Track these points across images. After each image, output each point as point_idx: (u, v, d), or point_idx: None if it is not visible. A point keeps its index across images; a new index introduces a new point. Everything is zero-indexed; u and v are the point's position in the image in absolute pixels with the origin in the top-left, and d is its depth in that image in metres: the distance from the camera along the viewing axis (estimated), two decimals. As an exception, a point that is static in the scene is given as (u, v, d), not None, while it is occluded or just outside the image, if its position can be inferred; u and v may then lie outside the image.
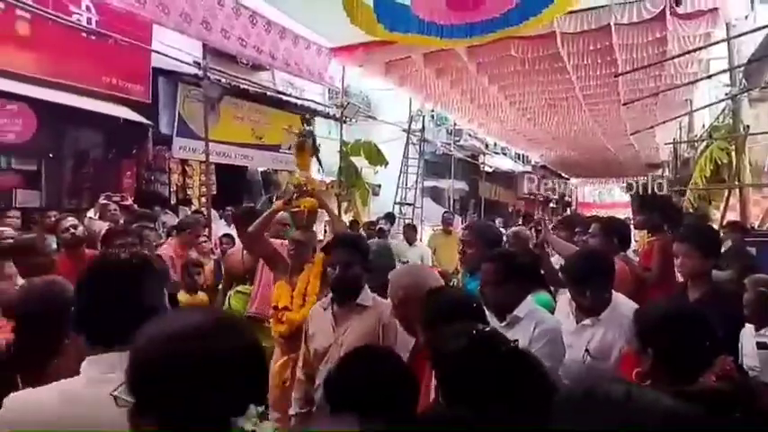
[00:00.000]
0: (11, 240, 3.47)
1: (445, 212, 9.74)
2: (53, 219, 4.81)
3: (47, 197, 8.03)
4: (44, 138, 7.43)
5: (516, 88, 9.46)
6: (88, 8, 7.30)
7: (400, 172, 13.16)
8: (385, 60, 8.49)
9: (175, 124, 8.84)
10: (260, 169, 11.25)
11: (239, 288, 4.54)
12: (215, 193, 9.18)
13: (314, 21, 7.47)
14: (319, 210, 3.87)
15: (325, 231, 6.61)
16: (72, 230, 3.90)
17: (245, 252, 4.39)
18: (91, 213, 6.82)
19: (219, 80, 8.79)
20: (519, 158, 23.21)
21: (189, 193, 9.56)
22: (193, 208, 8.97)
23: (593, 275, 2.64)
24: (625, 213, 15.05)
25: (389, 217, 10.20)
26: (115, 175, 8.22)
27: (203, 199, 9.23)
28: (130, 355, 1.03)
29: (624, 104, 8.78)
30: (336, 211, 9.90)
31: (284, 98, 10.85)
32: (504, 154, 22.12)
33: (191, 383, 0.97)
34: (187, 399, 0.97)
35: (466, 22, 5.81)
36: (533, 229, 4.00)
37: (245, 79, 9.94)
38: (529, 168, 23.26)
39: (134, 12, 5.66)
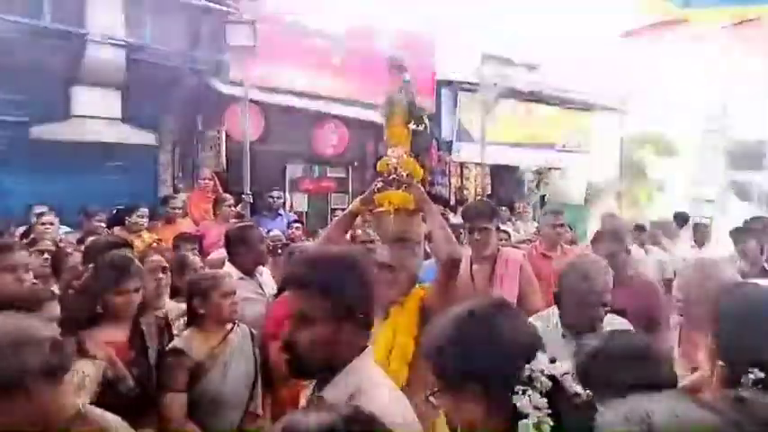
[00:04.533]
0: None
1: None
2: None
3: (353, 200, 9.49)
4: (351, 150, 8.80)
5: None
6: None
7: (698, 165, 11.63)
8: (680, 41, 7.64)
9: (455, 130, 9.50)
10: (533, 168, 11.26)
11: None
12: (490, 192, 9.59)
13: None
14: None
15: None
16: None
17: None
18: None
19: (495, 84, 9.13)
20: None
21: (466, 193, 10.17)
22: (471, 207, 9.50)
23: None
24: None
25: (680, 217, 9.10)
26: (405, 179, 9.24)
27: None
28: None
29: None
30: (618, 209, 9.26)
31: (557, 95, 10.66)
32: None
33: None
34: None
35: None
36: None
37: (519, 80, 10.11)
38: None
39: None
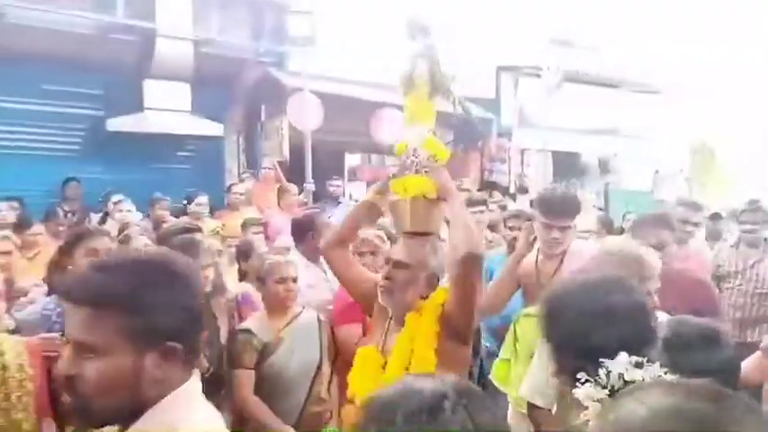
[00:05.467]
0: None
1: None
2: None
3: (411, 188, 9.52)
4: (409, 137, 8.81)
5: None
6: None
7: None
8: None
9: (516, 116, 9.33)
10: (597, 155, 10.90)
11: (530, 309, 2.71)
12: (551, 180, 9.37)
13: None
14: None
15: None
16: None
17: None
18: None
19: (558, 68, 8.87)
20: None
21: (526, 180, 9.95)
22: (530, 196, 9.31)
23: None
24: None
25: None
26: (463, 167, 9.17)
27: (539, 187, 9.51)
28: None
29: None
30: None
31: (623, 78, 10.23)
32: None
33: None
34: None
35: None
36: None
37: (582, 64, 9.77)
38: None
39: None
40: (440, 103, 2.17)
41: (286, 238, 3.79)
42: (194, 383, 1.07)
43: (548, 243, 2.63)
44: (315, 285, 3.13)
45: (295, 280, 2.73)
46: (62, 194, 6.06)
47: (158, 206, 5.22)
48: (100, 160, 6.51)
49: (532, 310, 2.51)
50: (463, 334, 1.94)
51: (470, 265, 1.86)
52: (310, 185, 5.73)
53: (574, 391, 1.15)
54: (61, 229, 4.88)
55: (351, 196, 8.62)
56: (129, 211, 4.82)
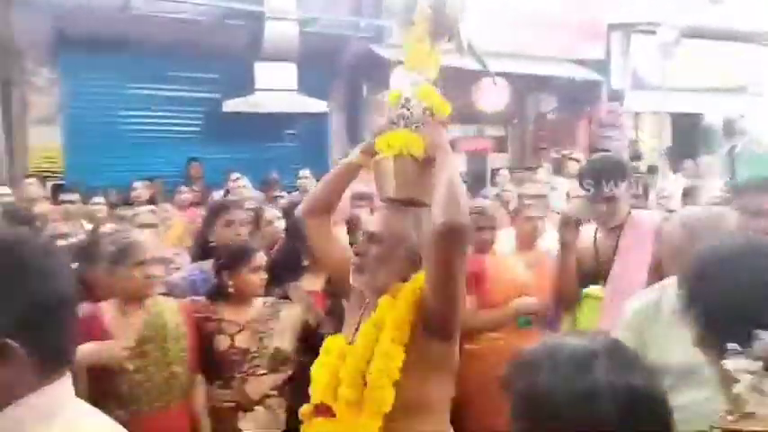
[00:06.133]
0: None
1: None
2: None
3: (512, 158, 9.26)
4: (510, 105, 8.53)
5: None
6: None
7: None
8: None
9: (629, 77, 8.73)
10: (722, 116, 9.96)
11: (590, 289, 2.55)
12: (670, 144, 8.72)
13: None
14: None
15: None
16: None
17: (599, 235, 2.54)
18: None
19: (675, 23, 8.15)
20: None
21: (640, 146, 9.34)
22: (644, 163, 8.73)
23: None
24: None
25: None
26: (570, 134, 8.77)
27: (655, 153, 8.90)
28: None
29: None
30: None
31: (750, 31, 9.18)
32: None
33: None
34: None
35: None
36: None
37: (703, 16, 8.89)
38: None
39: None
40: (444, 48, 1.81)
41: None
42: (52, 393, 0.84)
43: (597, 217, 2.49)
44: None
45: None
46: (186, 173, 6.59)
47: (273, 183, 5.62)
48: (217, 140, 6.98)
49: (591, 290, 2.44)
50: (443, 327, 1.55)
51: (448, 239, 1.47)
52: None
53: (723, 362, 1.10)
54: (184, 198, 5.39)
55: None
56: (245, 187, 5.14)
